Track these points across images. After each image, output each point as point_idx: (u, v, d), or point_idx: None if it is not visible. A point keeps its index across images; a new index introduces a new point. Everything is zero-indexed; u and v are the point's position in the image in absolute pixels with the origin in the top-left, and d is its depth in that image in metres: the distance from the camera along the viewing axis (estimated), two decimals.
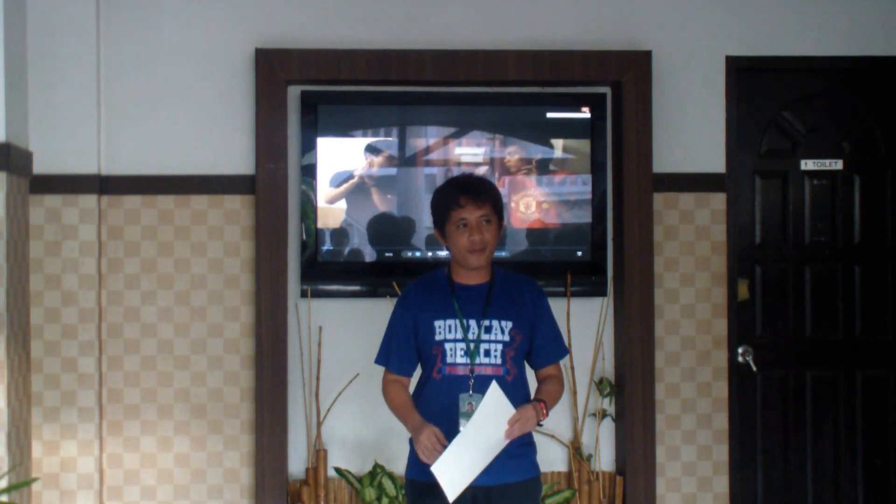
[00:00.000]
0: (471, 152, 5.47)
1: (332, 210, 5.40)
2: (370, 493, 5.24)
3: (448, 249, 4.06)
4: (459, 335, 3.96)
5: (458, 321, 3.97)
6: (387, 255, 5.42)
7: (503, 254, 5.38)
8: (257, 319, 5.31)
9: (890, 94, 5.68)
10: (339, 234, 5.42)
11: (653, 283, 5.44)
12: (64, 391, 5.27)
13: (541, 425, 3.98)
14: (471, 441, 3.83)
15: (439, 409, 3.94)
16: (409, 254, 5.42)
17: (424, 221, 5.37)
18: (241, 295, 5.39)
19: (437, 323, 3.98)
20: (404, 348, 4.03)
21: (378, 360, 4.11)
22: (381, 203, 5.44)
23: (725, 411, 5.55)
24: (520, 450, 3.99)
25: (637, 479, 5.44)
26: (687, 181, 5.55)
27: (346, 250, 5.43)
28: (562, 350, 4.05)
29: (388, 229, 5.43)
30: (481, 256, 3.96)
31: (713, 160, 5.56)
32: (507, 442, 3.86)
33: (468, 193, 3.97)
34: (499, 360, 3.95)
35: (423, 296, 4.03)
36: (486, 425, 3.83)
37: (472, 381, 3.94)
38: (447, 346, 3.95)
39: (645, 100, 5.44)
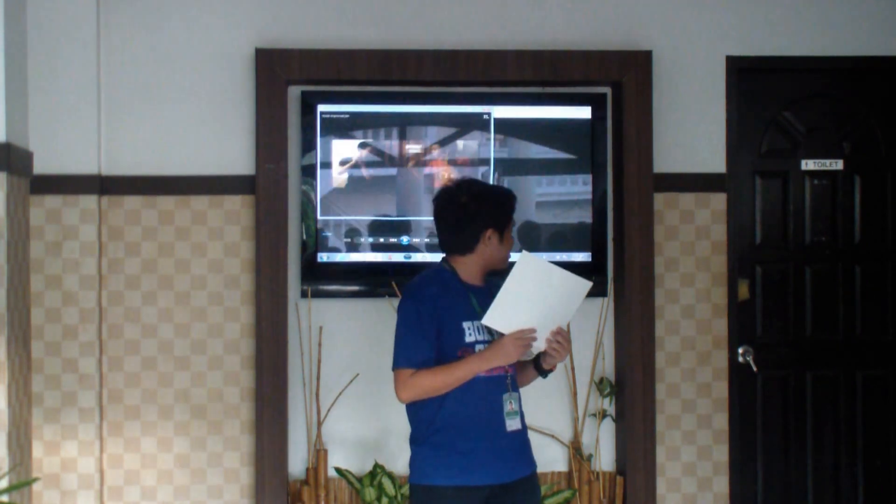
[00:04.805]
0: (471, 152, 5.47)
1: (332, 210, 5.39)
2: (370, 493, 5.24)
3: (477, 250, 4.01)
4: (484, 336, 3.96)
5: (482, 322, 3.96)
6: (386, 255, 5.42)
7: None
8: (257, 320, 5.31)
9: (890, 94, 5.67)
10: (340, 234, 5.42)
11: (653, 283, 5.44)
12: (64, 392, 5.27)
13: (550, 371, 4.07)
14: (555, 285, 3.89)
15: (480, 412, 3.91)
16: (409, 254, 5.42)
17: (424, 222, 5.37)
18: (242, 295, 5.39)
19: (466, 324, 3.95)
20: (434, 347, 3.90)
21: (404, 364, 3.89)
22: (380, 203, 5.44)
23: (726, 411, 5.55)
24: (526, 443, 4.04)
25: (637, 479, 5.44)
26: (687, 181, 5.55)
27: (347, 250, 5.43)
28: None
29: (388, 229, 5.43)
30: None
31: (713, 160, 5.56)
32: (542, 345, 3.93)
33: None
34: None
35: (442, 295, 3.96)
36: (565, 296, 3.91)
37: (509, 381, 3.97)
38: (478, 347, 3.93)
39: (645, 100, 5.44)
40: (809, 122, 5.67)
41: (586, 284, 3.92)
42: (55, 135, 5.26)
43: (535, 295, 3.85)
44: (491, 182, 5.34)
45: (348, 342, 5.41)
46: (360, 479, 5.32)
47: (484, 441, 3.91)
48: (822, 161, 5.67)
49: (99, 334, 5.31)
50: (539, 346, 3.93)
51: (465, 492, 3.89)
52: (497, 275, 4.10)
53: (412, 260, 5.40)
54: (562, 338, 3.92)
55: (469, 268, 4.02)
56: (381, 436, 5.42)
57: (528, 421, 4.15)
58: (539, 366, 4.05)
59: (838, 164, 5.68)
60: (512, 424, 3.95)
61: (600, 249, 5.49)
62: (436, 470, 3.92)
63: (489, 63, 5.41)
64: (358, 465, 5.43)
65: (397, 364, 3.92)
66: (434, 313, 3.91)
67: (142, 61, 5.38)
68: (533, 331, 3.86)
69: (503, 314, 3.85)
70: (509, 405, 3.95)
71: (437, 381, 3.86)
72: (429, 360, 3.89)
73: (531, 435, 4.15)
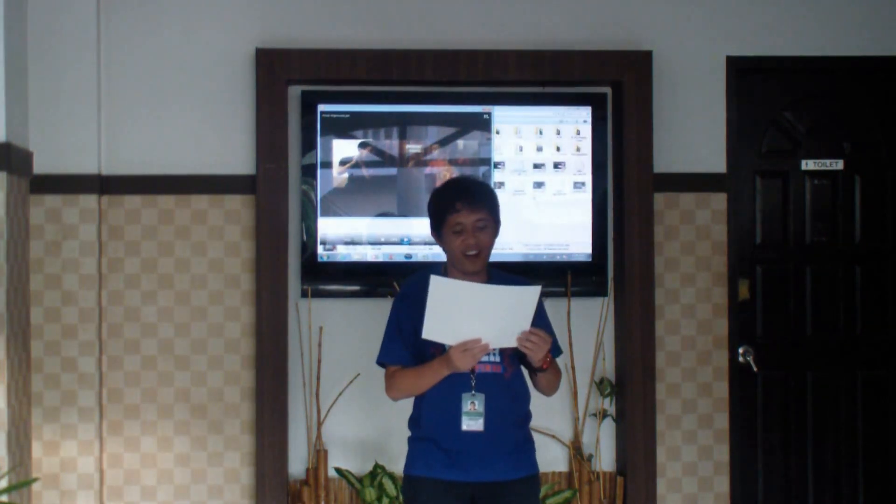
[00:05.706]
0: (470, 152, 5.47)
1: (332, 210, 5.39)
2: (370, 494, 5.24)
3: (444, 251, 4.06)
4: None
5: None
6: (387, 255, 5.42)
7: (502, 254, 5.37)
8: (258, 319, 5.31)
9: (890, 95, 5.68)
10: (340, 234, 5.41)
11: (653, 283, 5.44)
12: (64, 391, 5.27)
13: (541, 370, 3.96)
14: (486, 301, 3.79)
15: (441, 409, 3.95)
16: (409, 254, 5.42)
17: (424, 221, 5.35)
18: (242, 295, 5.39)
19: None
20: (413, 344, 3.97)
21: (386, 359, 4.02)
22: (381, 203, 5.44)
23: (726, 411, 5.54)
24: (521, 446, 4.02)
25: (638, 479, 5.43)
26: (687, 181, 5.55)
27: (347, 250, 5.42)
28: (557, 349, 4.05)
29: (388, 229, 5.43)
30: (476, 261, 3.97)
31: (714, 160, 5.56)
32: (506, 343, 3.84)
33: (464, 199, 3.97)
34: (497, 359, 3.96)
35: (424, 295, 3.95)
36: (508, 309, 3.80)
37: (473, 381, 3.95)
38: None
39: (645, 100, 5.44)
40: (809, 122, 5.67)
41: (534, 290, 3.83)
42: (55, 135, 5.26)
43: (467, 312, 3.81)
44: (493, 180, 5.35)
45: (348, 342, 5.41)
46: (360, 480, 5.31)
47: (459, 439, 3.94)
48: (822, 161, 5.68)
49: (98, 334, 5.31)
50: (503, 346, 3.90)
51: (446, 486, 3.93)
52: (510, 270, 4.14)
53: (413, 260, 5.40)
54: (535, 337, 3.87)
55: (450, 267, 4.05)
56: (381, 436, 5.41)
57: None
58: (531, 365, 4.04)
59: (838, 164, 5.68)
60: (471, 424, 3.93)
61: (600, 249, 5.49)
62: (420, 462, 4.00)
63: (489, 63, 5.41)
64: (358, 465, 5.43)
65: (377, 360, 4.06)
66: (413, 313, 3.95)
67: (142, 61, 5.38)
68: (478, 341, 3.83)
69: (440, 329, 3.83)
70: (470, 405, 3.93)
71: (409, 382, 3.98)
72: (402, 358, 3.98)
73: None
